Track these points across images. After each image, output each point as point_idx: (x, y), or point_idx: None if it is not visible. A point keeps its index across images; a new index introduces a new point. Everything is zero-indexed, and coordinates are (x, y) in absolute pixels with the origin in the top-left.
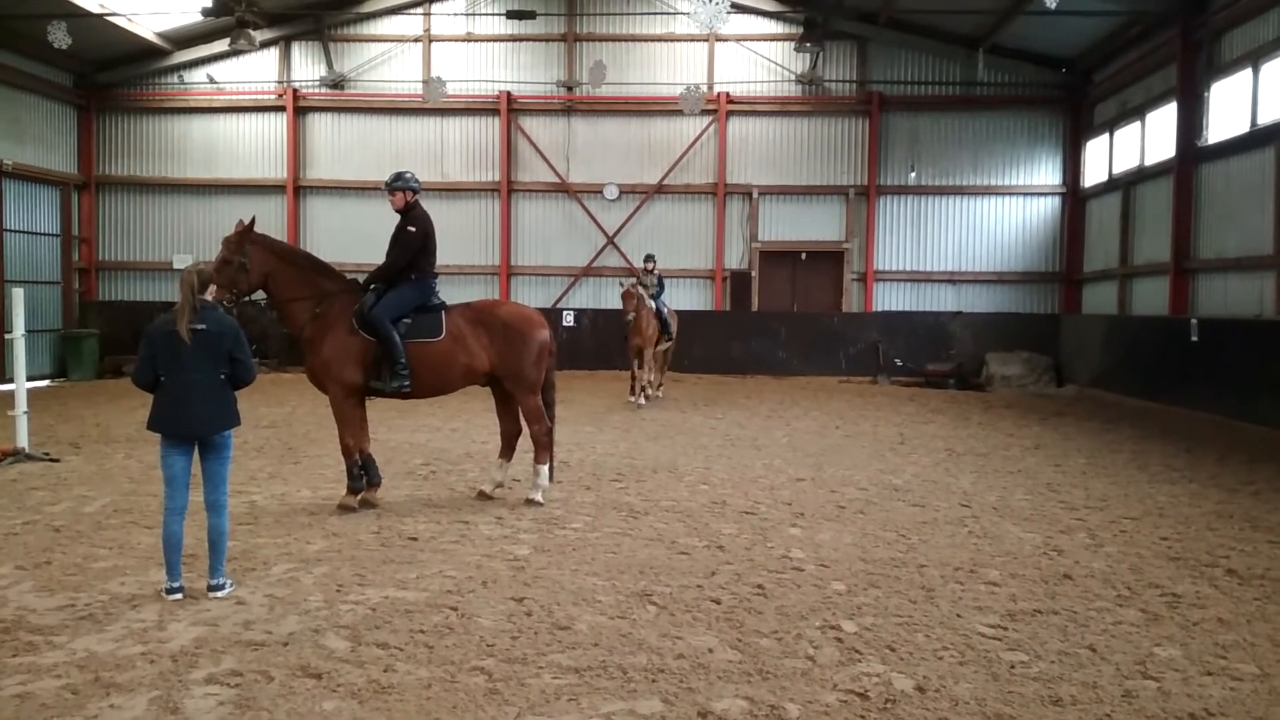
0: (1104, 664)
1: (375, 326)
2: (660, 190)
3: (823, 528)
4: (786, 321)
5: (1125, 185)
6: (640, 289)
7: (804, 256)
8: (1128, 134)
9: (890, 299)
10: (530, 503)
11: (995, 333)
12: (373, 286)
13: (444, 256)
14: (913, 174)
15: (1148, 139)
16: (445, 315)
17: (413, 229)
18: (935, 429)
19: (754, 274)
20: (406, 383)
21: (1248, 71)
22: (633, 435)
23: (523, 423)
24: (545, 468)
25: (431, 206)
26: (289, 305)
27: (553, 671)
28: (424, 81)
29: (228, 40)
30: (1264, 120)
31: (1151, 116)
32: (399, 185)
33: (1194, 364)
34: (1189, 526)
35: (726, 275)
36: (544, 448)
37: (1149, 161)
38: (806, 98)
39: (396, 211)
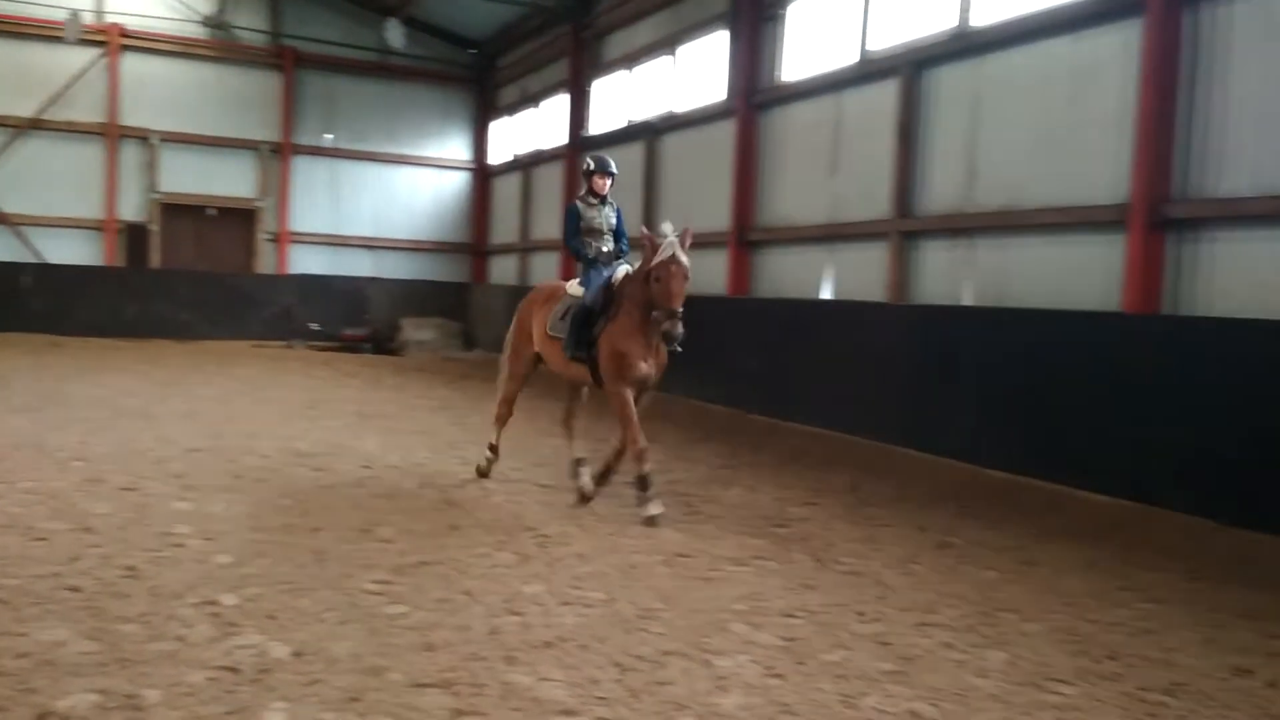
0: (477, 605)
1: None
2: (37, 125)
3: (215, 499)
4: (191, 281)
5: (526, 166)
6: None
7: (212, 212)
8: (528, 118)
9: (306, 262)
10: None
11: (410, 299)
12: None
13: None
14: (329, 136)
15: (545, 125)
16: None
17: None
18: (348, 393)
19: (153, 228)
20: None
21: (624, 72)
22: None
23: None
24: None
25: None
26: None
27: None
28: None
29: None
30: (636, 118)
31: (547, 104)
32: None
33: None
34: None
35: (121, 228)
36: None
37: (546, 146)
38: (213, 42)
39: None
